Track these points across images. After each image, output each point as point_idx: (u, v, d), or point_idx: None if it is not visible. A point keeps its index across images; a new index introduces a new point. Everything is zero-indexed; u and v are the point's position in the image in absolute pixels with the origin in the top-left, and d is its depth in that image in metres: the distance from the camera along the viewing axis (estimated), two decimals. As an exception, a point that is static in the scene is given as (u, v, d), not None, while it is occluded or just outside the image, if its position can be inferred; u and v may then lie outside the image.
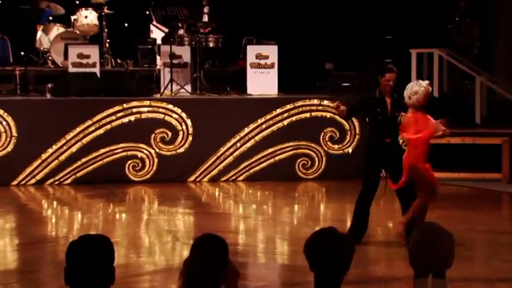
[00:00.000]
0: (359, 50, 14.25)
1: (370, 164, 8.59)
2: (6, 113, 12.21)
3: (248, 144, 12.74)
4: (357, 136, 12.99)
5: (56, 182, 12.33)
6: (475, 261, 8.02)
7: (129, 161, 12.50)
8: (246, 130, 12.75)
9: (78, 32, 14.37)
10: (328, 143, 12.99)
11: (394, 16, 14.52)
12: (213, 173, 12.70)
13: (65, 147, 12.33)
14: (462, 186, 12.44)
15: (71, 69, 13.25)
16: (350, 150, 13.04)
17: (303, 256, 3.43)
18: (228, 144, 12.72)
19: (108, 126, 12.44)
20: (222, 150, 12.70)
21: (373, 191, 8.53)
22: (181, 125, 12.64)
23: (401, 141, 8.70)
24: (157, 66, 14.06)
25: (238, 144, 12.73)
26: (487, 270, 7.49)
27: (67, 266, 3.18)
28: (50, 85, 12.95)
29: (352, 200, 11.16)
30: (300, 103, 12.95)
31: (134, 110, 12.56)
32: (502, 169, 12.71)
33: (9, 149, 12.22)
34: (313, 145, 12.94)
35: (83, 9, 14.38)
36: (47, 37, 14.42)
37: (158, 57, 14.17)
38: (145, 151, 12.57)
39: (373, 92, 8.69)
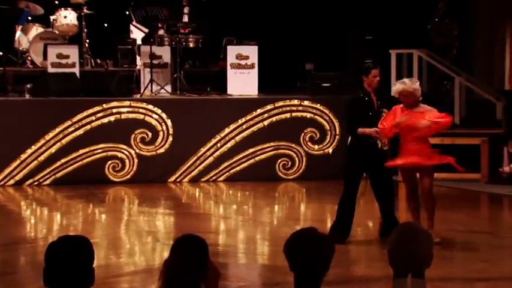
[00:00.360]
0: (339, 50, 14.28)
1: (352, 164, 8.59)
2: (-16, 114, 12.14)
3: (228, 145, 12.74)
4: (337, 136, 13.02)
5: (35, 183, 12.27)
6: (454, 260, 8.06)
7: (109, 162, 12.46)
8: (227, 130, 12.74)
9: (57, 32, 14.30)
10: (309, 143, 13.01)
11: (374, 17, 14.56)
12: (194, 173, 12.69)
13: (44, 148, 12.27)
14: (441, 186, 12.50)
15: (50, 70, 13.19)
16: (330, 150, 13.07)
17: (283, 256, 3.44)
18: (209, 145, 12.71)
19: (88, 127, 12.40)
20: (203, 150, 12.69)
21: (355, 192, 8.55)
22: (161, 126, 12.62)
23: (379, 143, 8.68)
24: (137, 67, 14.02)
25: (219, 145, 12.72)
26: (466, 270, 7.54)
27: (46, 267, 3.16)
28: (29, 85, 12.87)
29: (333, 200, 11.18)
30: (281, 103, 12.96)
31: (114, 110, 12.52)
32: (481, 169, 12.79)
33: (-13, 149, 12.14)
34: (293, 145, 12.96)
35: (62, 9, 14.31)
36: (26, 37, 14.34)
37: (138, 58, 14.13)
38: (125, 151, 12.53)
39: (357, 93, 8.68)
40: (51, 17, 14.39)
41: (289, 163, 12.95)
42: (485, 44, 15.01)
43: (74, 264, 3.14)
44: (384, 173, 8.53)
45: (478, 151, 12.78)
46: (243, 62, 13.41)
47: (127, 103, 12.60)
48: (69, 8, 14.31)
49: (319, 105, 13.07)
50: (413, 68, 13.79)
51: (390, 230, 7.18)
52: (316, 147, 13.06)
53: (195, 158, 12.68)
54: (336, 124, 13.05)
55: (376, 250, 8.20)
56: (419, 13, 14.81)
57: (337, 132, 13.05)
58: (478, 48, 15.07)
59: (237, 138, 12.77)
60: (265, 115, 12.89)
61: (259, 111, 12.89)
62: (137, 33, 14.69)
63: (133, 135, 12.53)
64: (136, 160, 12.56)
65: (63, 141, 12.31)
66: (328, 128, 13.08)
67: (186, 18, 14.16)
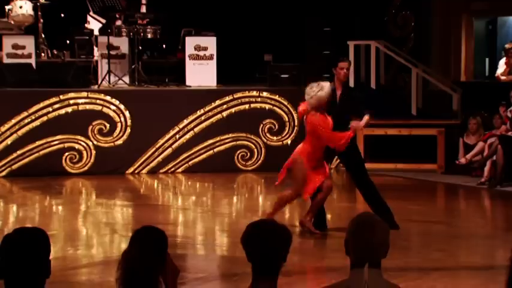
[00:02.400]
0: (298, 41, 14.32)
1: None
2: None
3: (187, 136, 12.71)
4: (296, 128, 13.07)
5: (-9, 175, 12.13)
6: (410, 250, 8.15)
7: (66, 153, 12.36)
8: (185, 122, 12.71)
9: (12, 22, 14.11)
10: (267, 134, 13.04)
11: (332, 8, 14.62)
12: (152, 164, 12.64)
13: None
14: (398, 177, 12.63)
15: (6, 60, 13.04)
16: (289, 141, 13.11)
17: (242, 247, 3.44)
18: (167, 136, 12.67)
19: (45, 118, 12.28)
20: (161, 142, 12.64)
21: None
22: (119, 117, 12.54)
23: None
24: (95, 58, 13.91)
25: (177, 136, 12.69)
26: (422, 260, 7.62)
27: (1, 259, 3.13)
28: (-16, 76, 12.70)
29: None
30: (239, 95, 12.97)
31: (71, 101, 12.41)
32: (438, 160, 12.94)
33: None
34: (252, 137, 12.97)
35: (18, -1, 14.13)
36: (-19, 27, 14.14)
37: (95, 48, 14.02)
38: (82, 143, 12.44)
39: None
40: (6, 7, 14.19)
41: (248, 154, 12.97)
42: (441, 36, 15.17)
43: (29, 257, 3.11)
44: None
45: (434, 142, 12.93)
46: (201, 53, 13.38)
47: (84, 94, 12.50)
48: (24, -2, 14.13)
49: (277, 96, 13.10)
50: (371, 60, 13.89)
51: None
52: (274, 138, 13.09)
53: (154, 149, 12.64)
54: (295, 115, 13.09)
55: (334, 240, 8.25)
56: (377, 5, 14.91)
57: (296, 124, 13.09)
58: (434, 40, 15.22)
59: (196, 129, 12.75)
60: (224, 106, 12.88)
61: (218, 102, 12.88)
62: (94, 24, 14.57)
63: (90, 127, 12.44)
64: (94, 152, 12.47)
65: (19, 133, 12.18)
66: (286, 119, 13.12)
67: (144, 9, 14.09)
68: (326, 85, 8.25)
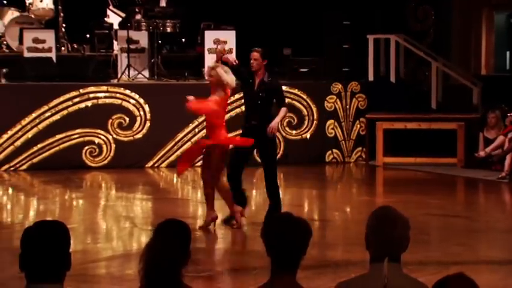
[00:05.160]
0: (317, 35, 14.28)
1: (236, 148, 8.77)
2: (-40, 99, 12.05)
3: (205, 130, 12.69)
4: (315, 121, 13.06)
5: (12, 168, 12.20)
6: (430, 244, 8.12)
7: (86, 147, 12.41)
8: (204, 116, 12.69)
9: (33, 16, 14.17)
10: (287, 128, 13.01)
11: (352, 1, 14.56)
12: (171, 158, 12.66)
13: (20, 133, 12.19)
14: (418, 171, 12.58)
15: (27, 54, 13.09)
16: (308, 135, 13.09)
17: (261, 241, 3.44)
18: (186, 130, 12.69)
19: (65, 112, 12.33)
20: (180, 135, 12.66)
21: (235, 171, 8.63)
22: (138, 111, 12.57)
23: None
24: (114, 52, 13.95)
25: (197, 130, 12.71)
26: (442, 254, 7.59)
27: (22, 252, 3.15)
28: (4, 70, 12.79)
29: (311, 186, 11.26)
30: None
31: (91, 95, 12.46)
32: (457, 154, 12.88)
33: (-37, 134, 12.06)
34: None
35: (38, -7, 14.19)
36: (2, 21, 14.22)
37: (115, 42, 14.05)
38: (102, 137, 12.48)
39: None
40: (27, 1, 14.26)
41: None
42: (461, 30, 15.08)
43: (50, 249, 3.12)
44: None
45: (454, 136, 12.86)
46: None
47: (104, 88, 12.54)
48: (45, -8, 14.19)
49: (297, 90, 13.08)
50: (391, 53, 13.83)
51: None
52: (293, 132, 13.07)
53: (173, 143, 12.66)
54: (314, 109, 13.08)
55: (353, 234, 8.24)
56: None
57: (315, 118, 13.08)
58: (454, 34, 15.13)
59: (215, 123, 12.72)
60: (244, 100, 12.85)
61: (237, 96, 12.87)
62: (114, 18, 14.60)
63: (110, 121, 12.48)
64: (113, 145, 12.52)
65: (40, 126, 12.24)
66: (306, 113, 13.10)
67: (163, 3, 14.08)
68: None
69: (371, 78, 13.83)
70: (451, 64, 14.36)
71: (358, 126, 13.41)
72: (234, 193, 8.60)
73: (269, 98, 8.71)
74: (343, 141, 13.32)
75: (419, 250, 7.22)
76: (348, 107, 13.34)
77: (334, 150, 13.28)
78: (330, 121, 13.22)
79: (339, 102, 13.29)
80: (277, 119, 8.63)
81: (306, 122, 13.10)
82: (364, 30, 13.81)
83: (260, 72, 8.70)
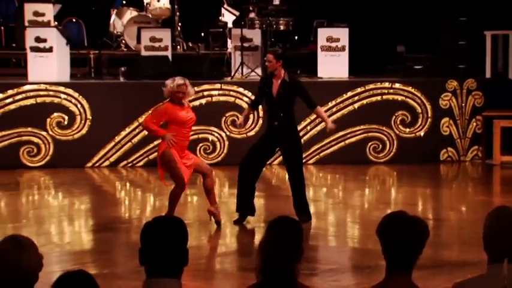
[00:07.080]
0: (431, 32, 14.03)
1: (257, 145, 8.79)
2: (81, 96, 12.46)
3: (318, 128, 12.71)
4: (429, 119, 12.86)
5: (129, 164, 12.54)
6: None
7: (200, 144, 12.61)
8: (317, 113, 12.68)
9: (150, 15, 14.52)
10: (400, 126, 12.87)
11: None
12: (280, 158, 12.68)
13: (137, 130, 12.51)
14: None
15: (144, 53, 13.42)
16: (422, 133, 12.91)
17: (374, 240, 3.42)
18: (298, 128, 12.69)
19: (180, 109, 12.54)
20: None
21: (249, 172, 8.65)
22: (252, 108, 12.65)
23: None
24: (228, 50, 14.12)
25: (309, 128, 12.71)
26: None
27: (142, 247, 3.23)
28: (123, 68, 13.14)
29: (424, 184, 11.10)
30: (371, 86, 12.86)
31: (205, 93, 12.65)
32: None
33: (83, 131, 12.47)
34: (384, 128, 12.85)
35: (156, -7, 14.52)
36: (121, 21, 14.63)
37: (229, 41, 14.23)
38: (216, 134, 12.66)
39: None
40: (145, 1, 14.62)
41: (380, 146, 12.84)
42: None
43: (169, 245, 3.19)
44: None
45: None
46: (333, 45, 13.34)
47: (218, 86, 12.71)
48: (162, -8, 14.51)
49: (410, 87, 12.91)
50: (510, 50, 13.46)
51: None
52: (407, 130, 12.91)
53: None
54: (428, 107, 12.88)
55: (469, 234, 8.07)
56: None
57: (429, 115, 12.88)
58: None
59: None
60: (356, 98, 12.81)
61: (349, 93, 12.82)
62: (228, 16, 14.79)
63: (224, 118, 12.64)
64: (226, 142, 12.68)
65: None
66: (419, 111, 12.91)
67: (277, 1, 14.15)
68: (176, 79, 8.62)
69: (488, 75, 13.50)
70: None
71: (474, 124, 13.12)
72: (245, 200, 8.61)
73: (290, 97, 8.67)
74: (458, 140, 13.07)
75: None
76: (463, 104, 13.07)
77: (449, 149, 13.04)
78: (445, 119, 12.99)
79: (454, 100, 13.03)
80: (327, 119, 8.92)
81: (420, 120, 12.91)
82: (481, 26, 13.48)
83: (278, 73, 8.66)
